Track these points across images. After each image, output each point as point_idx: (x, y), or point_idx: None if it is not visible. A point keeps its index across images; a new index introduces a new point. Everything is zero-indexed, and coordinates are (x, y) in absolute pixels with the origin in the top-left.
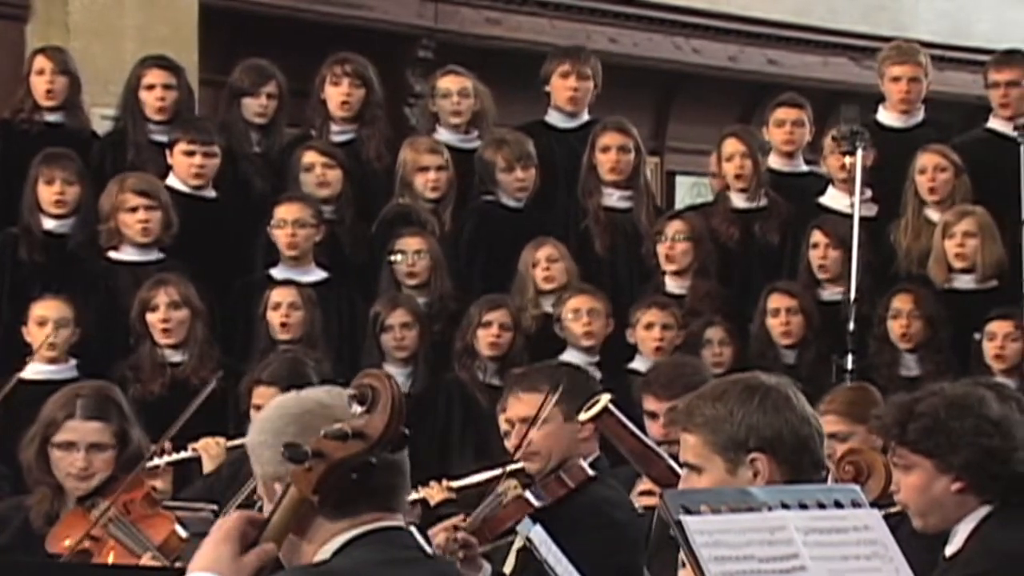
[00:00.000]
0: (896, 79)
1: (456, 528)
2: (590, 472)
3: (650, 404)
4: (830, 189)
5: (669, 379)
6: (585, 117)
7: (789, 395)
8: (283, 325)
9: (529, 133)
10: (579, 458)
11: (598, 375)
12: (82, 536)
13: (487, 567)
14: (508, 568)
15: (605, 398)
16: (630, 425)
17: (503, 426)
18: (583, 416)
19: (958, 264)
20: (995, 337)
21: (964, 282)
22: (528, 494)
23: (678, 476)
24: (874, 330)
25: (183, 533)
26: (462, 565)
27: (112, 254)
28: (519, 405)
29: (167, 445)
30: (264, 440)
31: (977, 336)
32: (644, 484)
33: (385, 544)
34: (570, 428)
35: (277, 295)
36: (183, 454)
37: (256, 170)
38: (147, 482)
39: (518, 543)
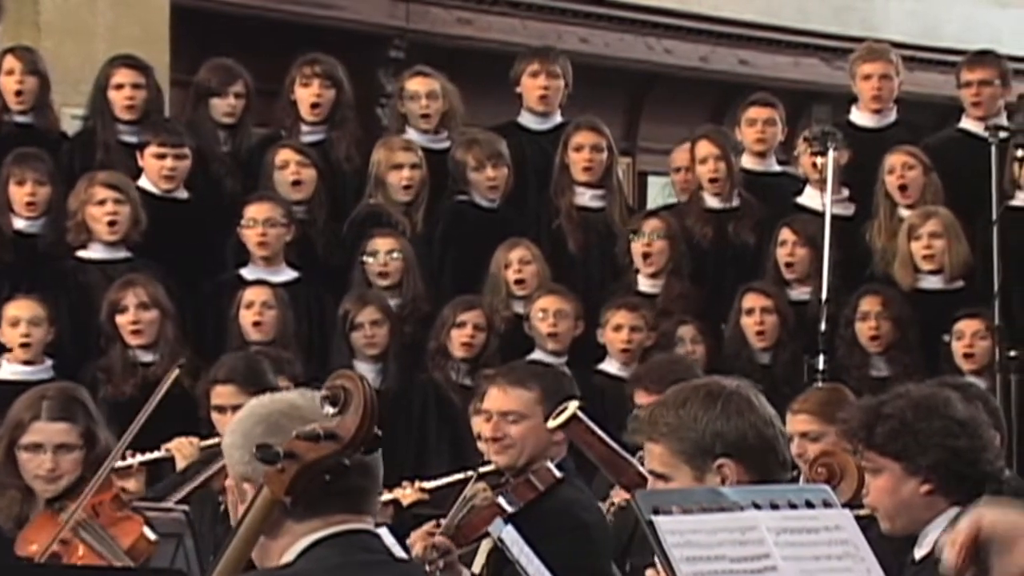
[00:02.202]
0: (867, 77)
1: (431, 535)
2: (557, 474)
3: (641, 398)
4: (807, 189)
5: (660, 374)
6: (557, 119)
7: (751, 398)
8: (256, 324)
9: (501, 134)
10: (547, 460)
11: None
12: (50, 542)
13: (466, 573)
14: (476, 570)
15: (573, 405)
16: (599, 432)
17: (476, 425)
18: (551, 423)
19: (926, 266)
20: (964, 336)
21: (932, 283)
22: (500, 499)
23: (648, 482)
24: (842, 332)
25: (152, 536)
26: (442, 573)
27: (81, 252)
28: (503, 397)
29: (132, 453)
30: (234, 441)
31: (946, 337)
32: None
33: (350, 546)
34: (546, 429)
35: (250, 294)
36: (156, 454)
37: (225, 170)
38: (116, 484)
39: (486, 547)
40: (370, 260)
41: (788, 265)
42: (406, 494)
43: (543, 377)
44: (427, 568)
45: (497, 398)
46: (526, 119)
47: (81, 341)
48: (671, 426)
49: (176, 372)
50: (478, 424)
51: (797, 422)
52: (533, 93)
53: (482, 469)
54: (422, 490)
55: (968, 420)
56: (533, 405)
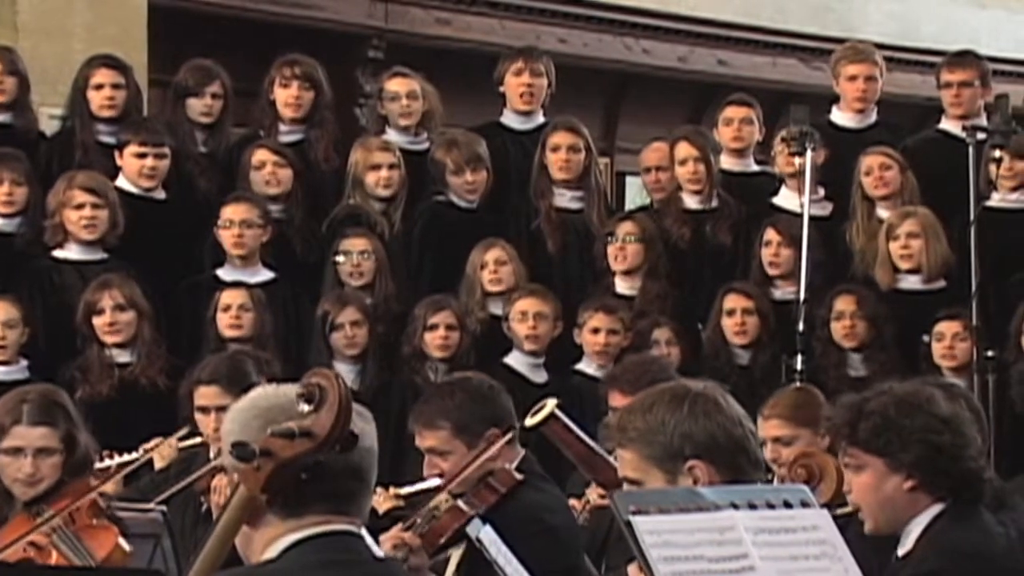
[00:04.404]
0: (852, 78)
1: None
2: (517, 476)
3: (616, 400)
4: (783, 189)
5: (636, 375)
6: (540, 119)
7: (718, 399)
8: (233, 327)
9: (484, 134)
10: (504, 463)
11: (544, 376)
12: (17, 538)
13: None
14: None
15: (551, 403)
16: (576, 430)
17: None
18: (529, 421)
19: (904, 265)
20: (943, 337)
21: (911, 283)
22: (460, 503)
23: None
24: (818, 332)
25: (127, 547)
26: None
27: (57, 252)
28: (421, 439)
29: (110, 454)
30: (231, 429)
31: (926, 338)
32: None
33: (331, 547)
34: (477, 453)
35: (227, 297)
36: (134, 455)
37: (202, 170)
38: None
39: (456, 557)
40: (342, 260)
41: (772, 264)
42: (380, 500)
43: (451, 411)
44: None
45: (419, 438)
46: (509, 119)
47: (56, 341)
48: (639, 431)
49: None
50: None
51: (769, 427)
52: (516, 91)
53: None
54: (397, 496)
55: (951, 417)
56: (450, 440)
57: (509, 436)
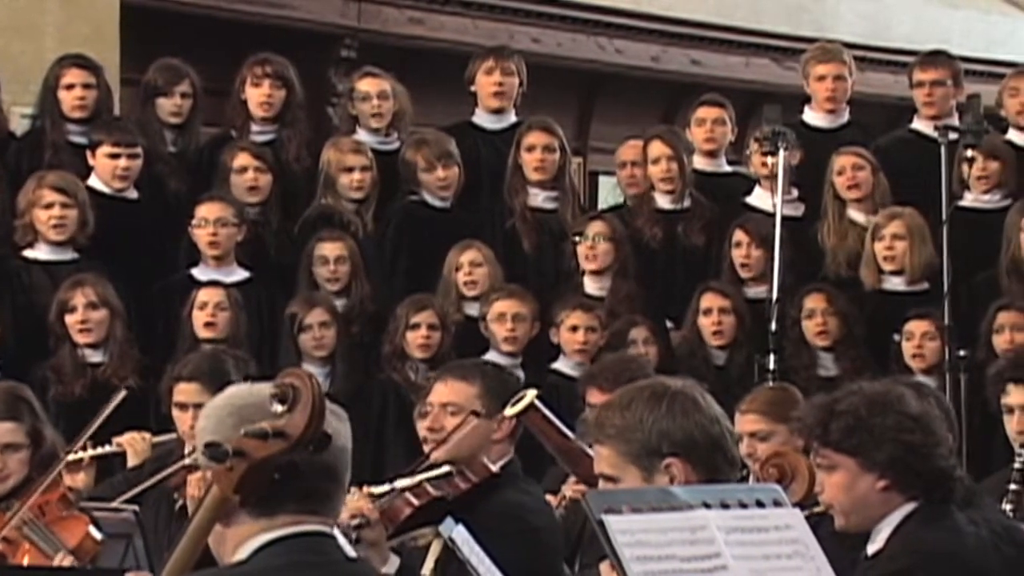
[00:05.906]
0: (821, 78)
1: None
2: (494, 469)
3: (594, 397)
4: (756, 189)
5: (615, 373)
6: (512, 118)
7: (696, 397)
8: (208, 325)
9: (456, 134)
10: (486, 457)
11: (521, 375)
12: None
13: (395, 559)
14: (425, 572)
15: (531, 393)
16: (556, 422)
17: (420, 429)
18: (509, 411)
19: (887, 266)
20: (913, 337)
21: (894, 284)
22: (427, 484)
23: None
24: (789, 332)
25: (98, 535)
26: (365, 549)
27: (28, 252)
28: (444, 390)
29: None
30: (204, 426)
31: (896, 337)
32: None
33: (301, 549)
34: (484, 424)
35: (204, 295)
36: (108, 448)
37: (172, 170)
38: (63, 483)
39: (435, 549)
40: (318, 266)
41: (743, 266)
42: (355, 500)
43: (486, 374)
44: (349, 536)
45: (438, 391)
46: (480, 118)
47: (26, 342)
48: (617, 428)
49: (123, 395)
50: (422, 428)
51: (746, 422)
52: (487, 90)
53: (428, 474)
54: (371, 495)
55: (921, 415)
56: (472, 399)
57: (516, 423)
